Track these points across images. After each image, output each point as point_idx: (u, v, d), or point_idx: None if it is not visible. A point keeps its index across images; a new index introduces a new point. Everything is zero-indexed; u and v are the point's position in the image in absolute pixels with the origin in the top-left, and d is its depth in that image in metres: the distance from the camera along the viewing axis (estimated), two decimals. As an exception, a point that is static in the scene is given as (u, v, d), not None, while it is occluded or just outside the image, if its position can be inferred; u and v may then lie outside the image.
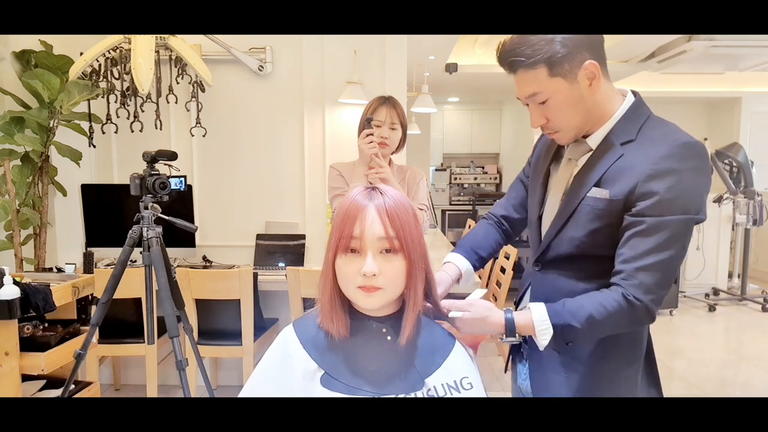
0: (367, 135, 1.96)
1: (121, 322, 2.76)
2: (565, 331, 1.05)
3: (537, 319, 1.07)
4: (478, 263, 1.36)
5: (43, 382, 2.39)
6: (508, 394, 1.44)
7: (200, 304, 2.72)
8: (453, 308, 1.10)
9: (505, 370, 1.38)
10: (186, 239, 2.98)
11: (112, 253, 3.11)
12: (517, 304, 1.35)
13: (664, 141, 1.04)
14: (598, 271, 1.11)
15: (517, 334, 1.10)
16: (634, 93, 1.14)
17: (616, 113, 1.11)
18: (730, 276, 5.78)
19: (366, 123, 1.99)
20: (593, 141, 1.13)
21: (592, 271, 1.12)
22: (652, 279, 1.02)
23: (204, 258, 3.11)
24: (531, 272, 1.25)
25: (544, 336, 1.06)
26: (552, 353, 1.14)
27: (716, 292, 5.38)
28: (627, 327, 1.09)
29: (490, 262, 4.00)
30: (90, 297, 2.53)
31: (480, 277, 3.45)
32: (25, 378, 2.25)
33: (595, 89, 1.07)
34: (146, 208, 2.05)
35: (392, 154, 2.15)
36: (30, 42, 2.86)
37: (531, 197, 1.30)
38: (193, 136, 3.06)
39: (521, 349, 1.29)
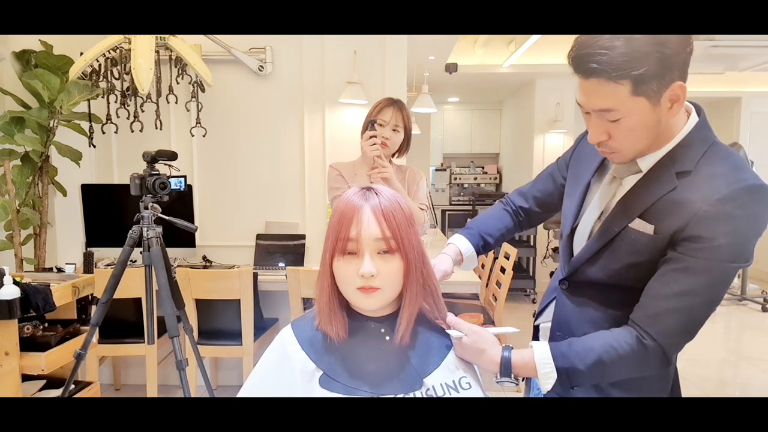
0: (371, 137, 1.97)
1: (121, 322, 2.76)
2: (571, 374, 0.97)
3: (540, 360, 0.98)
4: (483, 249, 1.29)
5: (43, 382, 2.39)
6: (508, 395, 1.42)
7: (200, 304, 2.72)
8: (455, 327, 1.03)
9: (521, 380, 1.33)
10: (186, 239, 2.98)
11: (112, 253, 3.11)
12: (536, 317, 1.27)
13: (725, 180, 0.91)
14: (629, 300, 1.01)
15: (513, 376, 1.01)
16: (698, 110, 1.00)
17: (677, 135, 0.98)
18: (730, 276, 5.77)
19: (369, 125, 2.00)
20: (645, 163, 1.00)
21: (623, 300, 1.03)
22: (675, 324, 0.93)
23: (204, 258, 3.11)
24: (556, 288, 1.17)
25: (547, 380, 0.98)
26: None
27: (716, 292, 5.38)
28: (639, 371, 1.00)
29: (491, 262, 4.00)
30: (90, 297, 2.53)
31: (480, 277, 3.44)
32: (25, 378, 2.25)
33: (675, 112, 0.93)
34: (146, 208, 2.05)
35: (394, 157, 2.16)
36: (30, 42, 2.86)
37: (566, 206, 1.18)
38: (193, 136, 3.06)
39: None
